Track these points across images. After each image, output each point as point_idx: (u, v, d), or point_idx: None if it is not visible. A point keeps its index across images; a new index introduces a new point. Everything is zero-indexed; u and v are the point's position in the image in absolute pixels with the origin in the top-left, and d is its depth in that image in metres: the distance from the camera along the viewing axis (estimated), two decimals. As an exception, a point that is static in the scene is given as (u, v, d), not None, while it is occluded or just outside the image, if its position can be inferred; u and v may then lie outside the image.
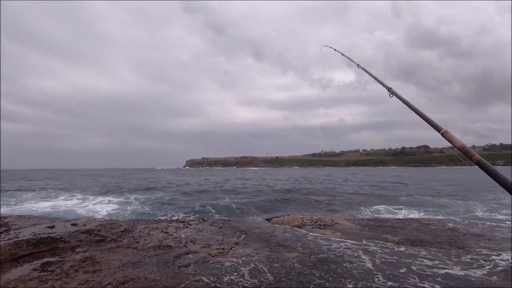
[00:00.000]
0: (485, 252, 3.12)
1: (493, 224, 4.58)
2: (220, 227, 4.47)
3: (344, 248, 3.29)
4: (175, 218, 7.61)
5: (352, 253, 3.09)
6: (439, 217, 9.72)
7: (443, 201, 12.79)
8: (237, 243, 3.55)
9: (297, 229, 4.36)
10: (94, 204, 14.44)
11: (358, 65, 2.98)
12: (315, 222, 4.76)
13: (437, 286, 2.26)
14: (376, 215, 9.98)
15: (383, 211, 11.04)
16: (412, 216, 9.43)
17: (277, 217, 5.70)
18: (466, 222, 4.82)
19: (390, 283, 2.32)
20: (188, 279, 2.42)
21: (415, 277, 2.44)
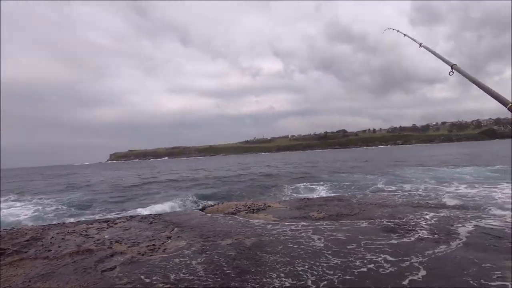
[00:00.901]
0: (389, 219, 3.77)
1: (391, 194, 5.57)
2: (151, 223, 4.23)
3: (278, 229, 3.51)
4: (98, 218, 6.88)
5: (286, 232, 3.33)
6: (352, 191, 11.24)
7: (356, 177, 14.84)
8: (170, 237, 3.43)
9: (231, 216, 4.45)
10: (-12, 212, 11.93)
11: (420, 44, 3.14)
12: (248, 207, 4.93)
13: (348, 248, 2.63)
14: (301, 195, 10.92)
15: (306, 189, 12.17)
16: (331, 193, 10.65)
17: (212, 206, 5.71)
18: (370, 194, 5.73)
19: (337, 259, 2.60)
20: (114, 283, 2.24)
21: (348, 244, 2.78)
